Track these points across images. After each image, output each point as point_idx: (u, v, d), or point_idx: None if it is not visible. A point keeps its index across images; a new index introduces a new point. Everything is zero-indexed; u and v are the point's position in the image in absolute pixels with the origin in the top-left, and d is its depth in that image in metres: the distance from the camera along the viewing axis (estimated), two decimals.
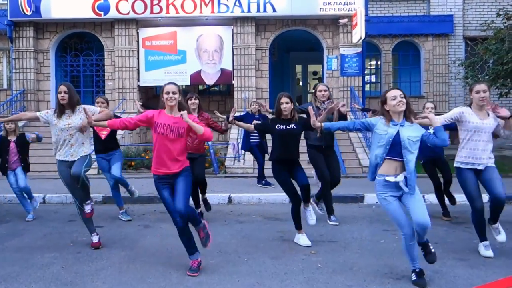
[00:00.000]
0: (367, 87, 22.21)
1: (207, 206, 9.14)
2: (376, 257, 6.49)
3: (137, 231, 8.23)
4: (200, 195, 9.03)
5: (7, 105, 19.61)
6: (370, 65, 23.59)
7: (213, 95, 22.80)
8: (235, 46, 19.81)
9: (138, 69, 20.09)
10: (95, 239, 7.32)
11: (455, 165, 6.74)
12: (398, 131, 5.42)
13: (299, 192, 7.29)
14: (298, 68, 25.87)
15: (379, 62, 23.07)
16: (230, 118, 7.58)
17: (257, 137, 12.40)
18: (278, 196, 10.72)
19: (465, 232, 7.96)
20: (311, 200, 7.75)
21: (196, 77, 19.89)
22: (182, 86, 21.82)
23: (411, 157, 5.41)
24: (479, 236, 6.70)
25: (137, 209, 10.08)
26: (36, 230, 8.42)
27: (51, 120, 7.21)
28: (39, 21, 20.06)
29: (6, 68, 22.86)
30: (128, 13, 19.49)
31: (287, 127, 7.09)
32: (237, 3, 19.32)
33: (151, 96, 21.45)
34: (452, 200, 9.19)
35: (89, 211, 7.33)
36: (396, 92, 5.45)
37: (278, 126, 7.11)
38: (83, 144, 7.26)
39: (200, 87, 22.91)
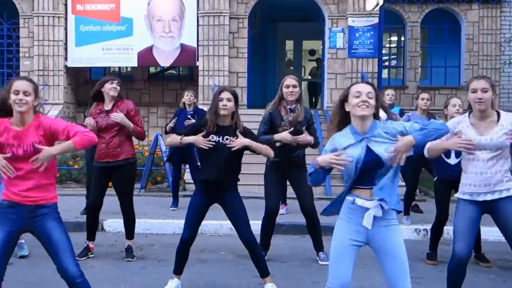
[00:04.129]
0: (385, 73, 22.22)
1: (129, 252, 9.01)
2: None
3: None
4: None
5: None
6: (390, 42, 23.61)
7: (169, 82, 22.60)
8: (201, 13, 19.74)
9: (66, 44, 20.03)
10: None
11: None
12: (367, 147, 4.90)
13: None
14: (289, 45, 25.88)
15: (402, 39, 22.97)
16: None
17: None
18: (256, 224, 9.25)
19: None
20: None
21: (146, 56, 19.82)
22: (126, 68, 21.80)
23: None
24: None
25: None
26: None
27: None
28: None
29: None
30: None
31: (223, 140, 6.89)
32: None
33: (82, 82, 21.41)
34: None
35: None
36: (364, 88, 4.95)
37: (212, 137, 6.88)
38: None
39: (152, 70, 22.78)
